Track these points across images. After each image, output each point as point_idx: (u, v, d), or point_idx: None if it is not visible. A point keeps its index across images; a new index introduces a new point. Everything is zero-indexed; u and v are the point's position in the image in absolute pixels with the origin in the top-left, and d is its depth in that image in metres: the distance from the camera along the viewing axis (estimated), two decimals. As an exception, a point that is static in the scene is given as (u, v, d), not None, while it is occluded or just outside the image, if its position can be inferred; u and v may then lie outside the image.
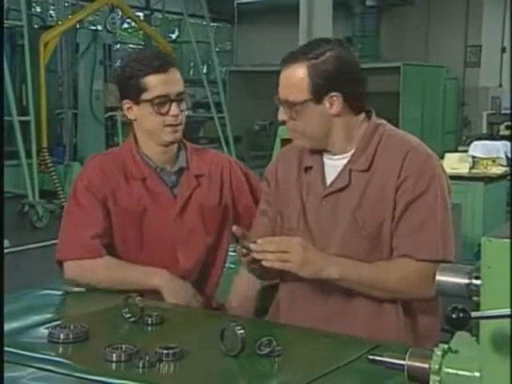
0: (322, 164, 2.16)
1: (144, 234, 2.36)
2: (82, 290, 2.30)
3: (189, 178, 2.42)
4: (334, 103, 2.05)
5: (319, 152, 2.17)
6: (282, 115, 2.11)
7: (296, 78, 2.05)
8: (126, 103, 2.36)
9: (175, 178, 2.41)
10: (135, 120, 2.38)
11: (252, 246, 1.96)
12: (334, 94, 2.04)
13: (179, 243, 2.37)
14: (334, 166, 2.14)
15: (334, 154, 2.14)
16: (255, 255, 1.97)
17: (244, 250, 2.00)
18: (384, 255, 2.07)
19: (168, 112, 2.31)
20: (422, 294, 2.02)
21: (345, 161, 2.12)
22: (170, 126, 2.33)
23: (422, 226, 2.04)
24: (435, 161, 2.12)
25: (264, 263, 1.96)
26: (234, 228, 2.04)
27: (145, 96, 2.31)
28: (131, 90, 2.33)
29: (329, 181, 2.14)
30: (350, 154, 2.12)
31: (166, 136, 2.34)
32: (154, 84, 2.30)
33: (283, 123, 2.13)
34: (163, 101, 2.31)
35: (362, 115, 2.14)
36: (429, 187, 2.05)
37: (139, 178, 2.37)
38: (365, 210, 2.06)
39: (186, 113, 2.39)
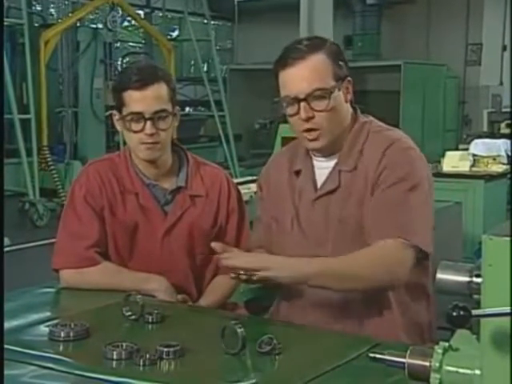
0: (312, 167, 2.17)
1: (134, 248, 2.35)
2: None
3: (184, 198, 2.37)
4: (348, 89, 2.10)
5: (308, 155, 2.18)
6: (306, 112, 2.03)
7: (322, 65, 2.04)
8: (114, 114, 2.34)
9: (171, 196, 2.37)
10: (122, 132, 2.35)
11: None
12: (348, 78, 2.09)
13: (163, 263, 2.32)
14: (323, 167, 2.15)
15: (324, 156, 2.15)
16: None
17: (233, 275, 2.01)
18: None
19: (143, 130, 2.24)
20: (390, 277, 2.00)
21: (333, 162, 2.13)
22: (145, 143, 2.27)
23: (391, 210, 2.02)
24: (417, 153, 2.11)
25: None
26: (213, 244, 2.05)
27: (123, 111, 2.28)
28: (116, 102, 2.31)
29: (319, 183, 2.14)
30: (338, 154, 2.13)
31: (141, 153, 2.30)
32: (129, 100, 2.25)
33: (307, 120, 2.05)
34: (136, 118, 2.24)
35: (351, 110, 2.16)
36: (404, 178, 2.03)
37: (132, 191, 2.35)
38: (350, 208, 2.07)
39: (173, 127, 2.32)
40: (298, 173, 2.20)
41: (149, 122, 2.24)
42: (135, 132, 2.26)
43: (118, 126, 2.34)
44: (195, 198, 2.38)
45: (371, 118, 2.21)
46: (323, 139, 2.08)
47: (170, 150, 2.38)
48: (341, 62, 2.08)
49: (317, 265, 1.98)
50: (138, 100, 2.24)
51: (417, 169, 2.07)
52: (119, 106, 2.29)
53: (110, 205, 2.34)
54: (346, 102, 2.10)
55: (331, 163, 2.13)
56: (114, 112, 2.33)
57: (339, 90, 2.06)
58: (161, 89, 2.26)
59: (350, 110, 2.16)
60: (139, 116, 2.24)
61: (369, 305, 2.08)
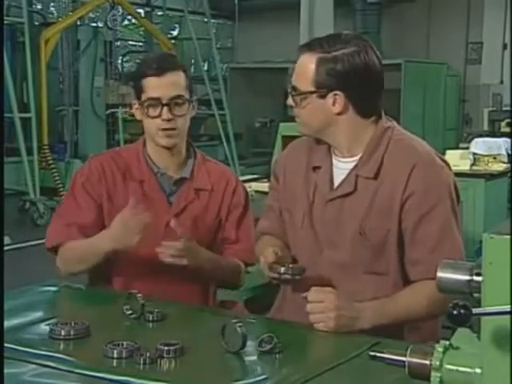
0: (331, 165, 2.14)
1: None
2: (82, 287, 2.32)
3: (188, 190, 2.38)
4: (336, 102, 2.04)
5: (329, 152, 2.15)
6: (289, 99, 2.11)
7: (305, 67, 2.05)
8: (134, 103, 2.38)
9: (175, 187, 2.38)
10: (141, 121, 2.37)
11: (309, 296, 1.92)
12: (336, 92, 2.02)
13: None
14: (342, 168, 2.12)
15: (343, 156, 2.12)
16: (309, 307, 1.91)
17: (276, 275, 1.99)
18: (389, 266, 2.05)
19: (160, 116, 2.29)
20: (442, 311, 1.95)
21: (352, 165, 2.09)
22: (163, 130, 2.30)
23: (438, 242, 2.01)
24: (444, 170, 2.08)
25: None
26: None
27: (142, 98, 2.32)
28: (135, 90, 2.36)
29: (336, 183, 2.11)
30: (357, 157, 2.09)
31: (160, 140, 2.33)
32: (148, 86, 2.30)
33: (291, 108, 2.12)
34: (154, 104, 2.29)
35: (372, 118, 2.10)
36: (439, 201, 2.02)
37: (137, 179, 2.36)
38: (372, 221, 2.04)
39: (190, 116, 2.36)
40: (315, 168, 2.17)
41: (165, 108, 2.28)
42: (152, 118, 2.30)
43: (137, 115, 2.37)
44: (200, 191, 2.39)
45: (394, 122, 2.16)
46: (302, 129, 2.14)
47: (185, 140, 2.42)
48: (338, 76, 2.00)
49: (373, 320, 1.94)
50: (156, 86, 2.29)
51: (445, 187, 2.05)
52: (139, 93, 2.33)
53: (109, 193, 2.35)
54: (332, 112, 2.04)
55: (350, 165, 2.10)
56: (134, 101, 2.37)
57: (322, 98, 2.03)
58: (178, 76, 2.32)
59: (366, 120, 2.08)
60: (157, 102, 2.28)
61: None
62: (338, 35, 2.08)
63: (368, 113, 2.08)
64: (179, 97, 2.30)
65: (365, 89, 2.05)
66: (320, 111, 2.06)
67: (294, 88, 2.07)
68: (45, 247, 2.37)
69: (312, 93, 2.04)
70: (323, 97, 2.04)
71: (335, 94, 2.03)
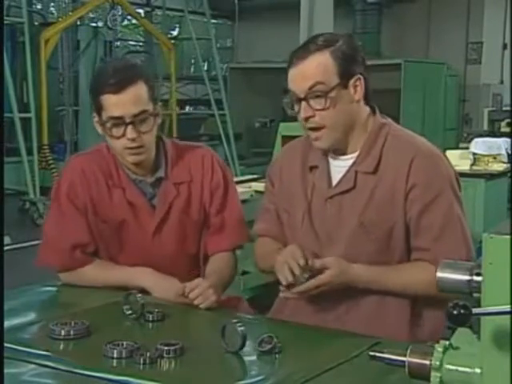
0: (328, 164, 2.15)
1: (123, 245, 2.31)
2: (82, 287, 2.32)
3: (167, 189, 2.31)
4: (357, 87, 2.06)
5: (324, 152, 2.15)
6: (305, 111, 2.04)
7: (321, 64, 2.02)
8: (94, 117, 2.23)
9: (152, 188, 2.31)
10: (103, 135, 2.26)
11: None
12: (357, 76, 2.05)
13: (155, 258, 2.27)
14: (339, 166, 2.12)
15: (341, 154, 2.12)
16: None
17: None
18: (395, 258, 2.07)
19: (124, 135, 2.16)
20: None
21: (350, 162, 2.10)
22: (129, 148, 2.18)
23: (442, 231, 2.03)
24: (443, 161, 2.11)
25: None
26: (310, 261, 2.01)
27: (103, 115, 2.18)
28: (94, 105, 2.20)
29: (334, 181, 2.12)
30: (355, 154, 2.10)
31: (127, 158, 2.23)
32: (108, 104, 2.14)
33: (306, 120, 2.05)
34: (117, 123, 2.15)
35: (368, 109, 2.13)
36: (441, 190, 2.04)
37: (119, 186, 2.30)
38: (372, 214, 2.05)
39: (156, 126, 2.23)
40: (312, 168, 2.18)
41: (130, 127, 2.15)
42: (117, 138, 2.18)
43: (99, 130, 2.24)
44: (179, 185, 2.32)
45: (389, 119, 2.18)
46: (326, 139, 2.07)
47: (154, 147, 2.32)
48: (351, 60, 2.05)
49: (370, 278, 2.03)
50: (116, 104, 2.14)
51: (446, 176, 2.07)
52: (98, 110, 2.19)
53: (93, 199, 2.29)
54: (354, 101, 2.06)
55: (348, 162, 2.11)
56: (94, 114, 2.23)
57: (345, 88, 2.04)
58: (140, 90, 2.16)
59: (366, 109, 2.12)
60: (119, 121, 2.15)
61: (380, 304, 2.07)
62: (321, 35, 2.10)
63: (368, 97, 2.11)
64: (143, 112, 2.16)
65: (366, 68, 2.10)
66: (348, 103, 2.05)
67: (317, 91, 2.02)
68: (42, 262, 2.33)
69: (339, 85, 2.03)
70: (346, 86, 2.04)
71: (356, 79, 2.05)
